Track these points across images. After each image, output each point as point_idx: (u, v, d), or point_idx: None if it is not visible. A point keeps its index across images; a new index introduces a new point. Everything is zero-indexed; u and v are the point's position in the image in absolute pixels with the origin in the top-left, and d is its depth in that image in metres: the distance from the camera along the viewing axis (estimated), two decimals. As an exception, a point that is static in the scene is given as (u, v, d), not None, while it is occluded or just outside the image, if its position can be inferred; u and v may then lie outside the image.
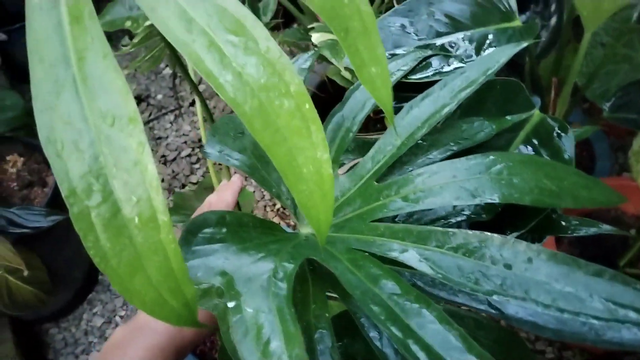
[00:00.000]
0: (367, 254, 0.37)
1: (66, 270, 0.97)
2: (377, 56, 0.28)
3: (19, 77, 1.25)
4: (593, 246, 0.87)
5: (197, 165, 1.22)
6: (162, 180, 1.20)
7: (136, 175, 0.23)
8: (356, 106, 0.47)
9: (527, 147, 0.47)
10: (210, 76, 0.24)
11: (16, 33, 1.20)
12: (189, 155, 1.23)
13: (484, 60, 0.44)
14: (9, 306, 0.80)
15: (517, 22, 0.57)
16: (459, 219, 0.44)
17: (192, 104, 1.32)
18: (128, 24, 0.80)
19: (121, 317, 1.04)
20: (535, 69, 0.67)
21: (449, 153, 0.43)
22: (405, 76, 0.50)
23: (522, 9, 0.67)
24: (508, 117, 0.45)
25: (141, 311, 0.29)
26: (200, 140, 1.25)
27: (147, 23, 0.77)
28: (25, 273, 0.78)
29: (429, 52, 0.50)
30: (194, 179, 1.20)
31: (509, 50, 0.45)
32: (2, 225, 0.76)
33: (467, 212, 0.43)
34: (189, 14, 0.24)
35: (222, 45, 0.24)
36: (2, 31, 1.19)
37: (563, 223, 0.43)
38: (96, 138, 0.23)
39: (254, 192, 1.14)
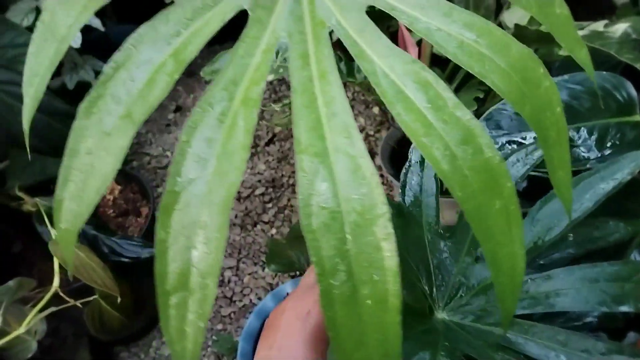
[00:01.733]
0: (511, 350, 0.37)
1: (146, 298, 1.00)
2: (565, 162, 0.30)
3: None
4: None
5: (269, 205, 1.26)
6: (235, 217, 1.23)
7: (377, 260, 0.25)
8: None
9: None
10: (445, 176, 0.26)
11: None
12: (263, 194, 1.27)
13: (626, 159, 0.45)
14: (99, 330, 0.83)
15: (637, 117, 0.57)
16: (588, 319, 0.44)
17: (268, 143, 1.37)
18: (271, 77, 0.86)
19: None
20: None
21: (582, 251, 0.44)
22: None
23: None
24: None
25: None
26: (274, 180, 1.29)
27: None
28: (118, 300, 0.81)
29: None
30: (265, 217, 1.23)
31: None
32: (105, 253, 0.80)
33: (595, 314, 0.44)
34: (428, 119, 0.27)
35: (455, 150, 0.27)
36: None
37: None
38: (346, 223, 0.25)
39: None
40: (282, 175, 1.27)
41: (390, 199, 0.56)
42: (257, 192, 1.28)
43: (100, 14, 1.18)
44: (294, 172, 1.27)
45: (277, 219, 1.23)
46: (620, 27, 0.76)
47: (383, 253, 0.25)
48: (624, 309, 0.36)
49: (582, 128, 0.55)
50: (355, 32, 0.28)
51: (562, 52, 0.87)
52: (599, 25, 0.79)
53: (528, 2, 0.31)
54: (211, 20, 0.27)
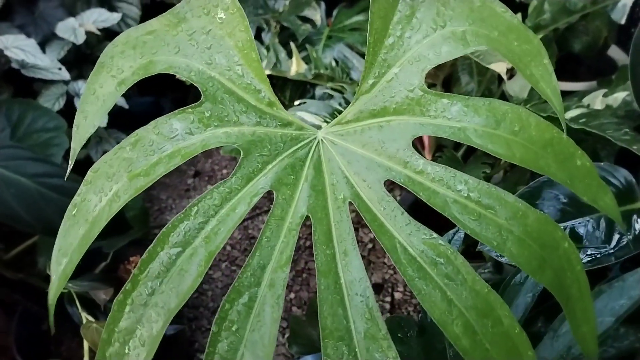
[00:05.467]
0: None
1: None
2: (588, 318, 0.31)
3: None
4: None
5: (286, 268, 1.26)
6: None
7: None
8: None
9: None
10: (467, 352, 0.27)
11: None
12: (279, 257, 1.28)
13: None
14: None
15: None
16: None
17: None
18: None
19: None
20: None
21: None
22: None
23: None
24: None
25: None
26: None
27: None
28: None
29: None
30: (282, 281, 1.23)
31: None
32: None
33: None
34: (448, 295, 0.28)
35: (475, 325, 0.27)
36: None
37: None
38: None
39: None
40: (299, 238, 1.28)
41: (409, 318, 0.57)
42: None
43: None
44: (309, 234, 1.27)
45: (295, 282, 1.23)
46: (620, 96, 0.77)
47: None
48: None
49: (588, 222, 0.55)
50: (374, 206, 0.29)
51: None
52: (597, 95, 0.79)
53: (546, 162, 0.31)
54: (238, 205, 0.29)
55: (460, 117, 0.30)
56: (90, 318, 0.74)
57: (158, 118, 0.30)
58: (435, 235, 0.29)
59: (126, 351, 0.26)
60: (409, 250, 0.28)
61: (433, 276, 0.28)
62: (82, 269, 0.82)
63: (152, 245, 0.28)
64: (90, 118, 0.30)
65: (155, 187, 1.44)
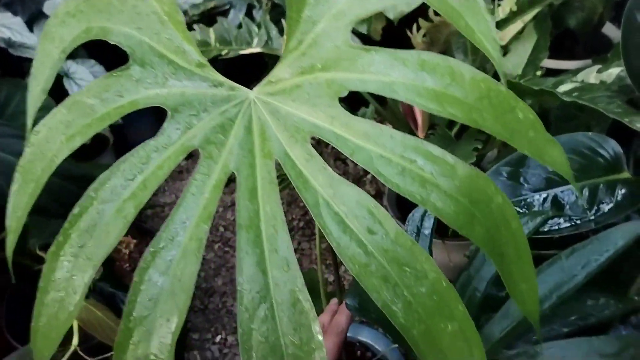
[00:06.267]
0: None
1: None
2: (527, 276, 0.30)
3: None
4: None
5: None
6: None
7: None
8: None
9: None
10: (385, 306, 0.27)
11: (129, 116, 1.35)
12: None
13: (619, 231, 0.45)
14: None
15: (626, 174, 0.57)
16: None
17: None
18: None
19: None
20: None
21: (573, 328, 0.43)
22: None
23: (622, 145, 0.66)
24: (636, 298, 0.45)
25: None
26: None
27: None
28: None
29: (549, 215, 0.51)
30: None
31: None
32: (122, 310, 0.83)
33: None
34: (368, 248, 0.28)
35: (396, 277, 0.27)
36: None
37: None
38: (285, 355, 0.26)
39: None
40: (293, 219, 1.28)
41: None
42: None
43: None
44: (303, 214, 1.28)
45: (308, 271, 1.24)
46: (614, 72, 0.75)
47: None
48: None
49: (572, 191, 0.55)
50: (301, 162, 0.30)
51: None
52: (592, 71, 0.78)
53: (481, 116, 0.30)
54: (165, 163, 0.29)
55: (387, 71, 0.30)
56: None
57: (90, 82, 0.31)
58: (358, 189, 0.29)
59: (64, 297, 0.27)
60: (331, 204, 0.28)
61: (353, 229, 0.28)
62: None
63: (81, 200, 0.28)
64: (42, 84, 0.32)
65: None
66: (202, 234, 0.28)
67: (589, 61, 0.93)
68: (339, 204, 0.28)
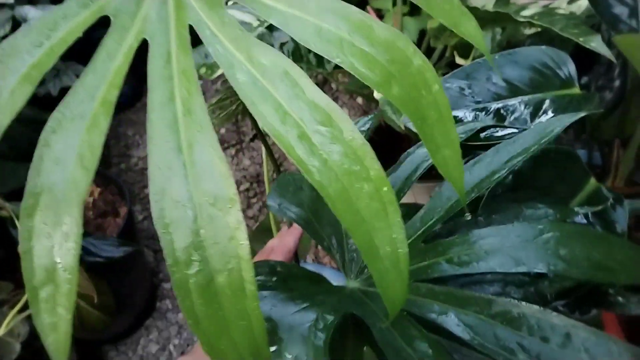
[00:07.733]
0: (405, 313, 0.38)
1: (129, 296, 1.02)
2: (450, 140, 0.30)
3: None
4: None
5: (254, 200, 1.27)
6: (221, 213, 1.25)
7: (231, 249, 0.26)
8: (410, 169, 0.49)
9: (579, 217, 0.47)
10: (300, 162, 0.27)
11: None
12: (247, 190, 1.29)
13: (539, 128, 0.45)
14: (78, 330, 0.86)
15: (576, 90, 0.57)
16: (507, 289, 0.44)
17: (252, 139, 1.39)
18: (202, 70, 0.87)
19: (175, 345, 1.08)
20: (597, 129, 0.66)
21: None
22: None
23: (583, 72, 0.68)
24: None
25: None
26: (258, 175, 1.31)
27: (219, 72, 0.84)
28: (96, 300, 0.84)
29: (486, 124, 0.52)
30: (250, 212, 1.25)
31: (565, 120, 0.46)
32: (80, 254, 0.82)
33: (512, 279, 0.44)
34: (284, 108, 0.27)
35: (312, 135, 0.27)
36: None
37: (620, 299, 0.42)
38: (199, 216, 0.26)
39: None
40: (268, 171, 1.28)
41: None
42: (242, 187, 1.29)
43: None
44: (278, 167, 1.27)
45: (261, 213, 1.24)
46: (583, 4, 0.75)
47: (237, 242, 0.26)
48: (521, 269, 0.37)
49: (518, 103, 0.55)
50: (217, 28, 0.29)
51: (528, 31, 0.86)
52: (562, 3, 0.78)
53: None
54: (73, 30, 0.28)
55: None
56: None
57: None
58: (276, 51, 0.28)
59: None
60: (245, 65, 0.28)
61: (268, 88, 0.27)
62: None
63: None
64: None
65: (122, 124, 1.44)
66: (114, 98, 0.27)
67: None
68: (256, 65, 0.28)
